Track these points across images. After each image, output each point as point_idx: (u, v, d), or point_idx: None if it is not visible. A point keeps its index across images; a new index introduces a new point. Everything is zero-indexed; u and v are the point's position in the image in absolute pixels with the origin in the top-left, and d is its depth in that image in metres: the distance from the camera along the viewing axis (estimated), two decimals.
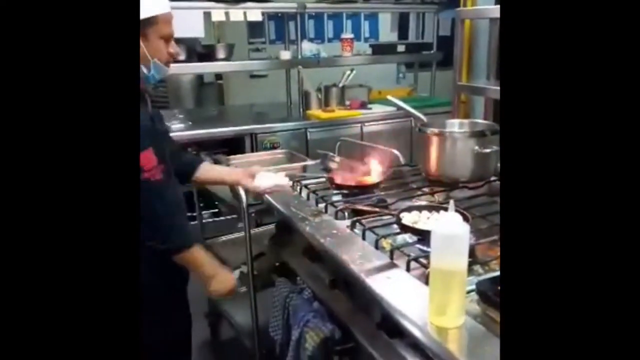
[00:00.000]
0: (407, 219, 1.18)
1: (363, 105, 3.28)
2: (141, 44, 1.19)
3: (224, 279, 1.38)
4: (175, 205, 1.26)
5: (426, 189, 1.57)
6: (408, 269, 1.06)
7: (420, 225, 1.15)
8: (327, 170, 1.88)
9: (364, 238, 1.22)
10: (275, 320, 1.50)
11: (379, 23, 4.90)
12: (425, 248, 1.11)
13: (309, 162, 1.83)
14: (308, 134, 2.98)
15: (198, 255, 1.31)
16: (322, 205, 1.46)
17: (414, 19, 4.40)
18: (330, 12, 4.58)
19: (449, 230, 0.82)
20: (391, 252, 1.11)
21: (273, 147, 2.86)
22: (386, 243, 1.16)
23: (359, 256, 1.14)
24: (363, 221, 1.28)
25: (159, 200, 1.18)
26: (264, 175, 1.47)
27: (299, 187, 1.60)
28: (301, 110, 3.22)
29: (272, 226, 1.85)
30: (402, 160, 1.89)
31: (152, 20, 1.20)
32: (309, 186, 1.57)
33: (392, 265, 1.09)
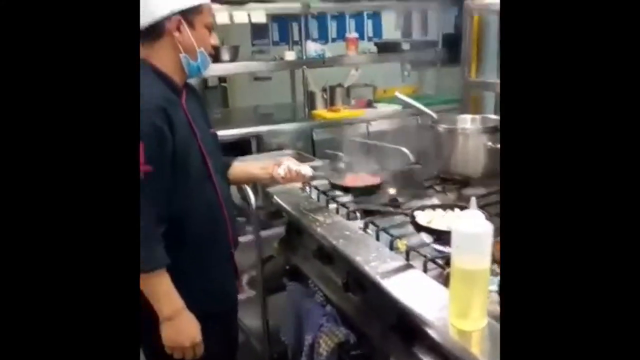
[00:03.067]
0: (421, 218, 1.15)
1: (369, 104, 3.25)
2: (188, 32, 1.16)
3: (183, 328, 1.10)
4: (146, 215, 1.02)
5: (438, 187, 1.53)
6: (425, 270, 1.03)
7: (434, 225, 1.12)
8: (337, 170, 1.86)
9: (377, 239, 1.19)
10: (287, 324, 1.47)
11: (382, 21, 4.86)
12: (441, 248, 1.08)
13: (317, 163, 1.80)
14: (314, 134, 2.94)
15: (158, 285, 1.08)
16: (333, 206, 1.43)
17: (417, 16, 4.36)
18: (333, 12, 4.54)
19: (471, 228, 0.78)
20: (407, 253, 1.08)
21: (279, 149, 2.83)
22: (401, 244, 1.12)
23: (373, 257, 1.11)
24: (376, 221, 1.25)
25: None
26: (287, 163, 1.39)
27: (308, 188, 1.57)
28: (306, 110, 3.19)
29: (280, 229, 1.82)
30: (411, 158, 1.86)
31: (198, 9, 1.18)
32: (319, 187, 1.54)
33: (408, 267, 1.06)
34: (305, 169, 1.37)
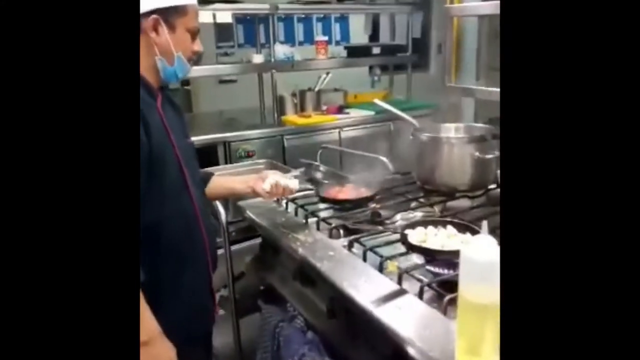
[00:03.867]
0: (414, 237, 1.05)
1: (340, 110, 3.17)
2: (167, 35, 1.06)
3: (159, 354, 1.00)
4: None
5: (422, 200, 1.45)
6: (421, 296, 0.93)
7: (429, 244, 1.03)
8: (313, 181, 1.75)
9: (364, 259, 1.09)
10: (264, 351, 1.35)
11: (350, 25, 4.81)
12: (437, 270, 0.99)
13: (293, 173, 1.68)
14: (285, 140, 2.82)
15: None
16: (312, 221, 1.32)
17: (385, 20, 4.34)
18: (300, 14, 4.45)
19: (483, 256, 0.69)
20: (399, 277, 0.98)
21: (248, 156, 2.69)
22: (392, 265, 1.03)
23: (362, 282, 1.01)
24: (362, 240, 1.14)
25: None
26: (272, 178, 1.27)
27: (284, 202, 1.45)
28: (276, 116, 3.07)
29: (251, 242, 1.70)
30: (391, 168, 1.77)
31: (181, 10, 1.07)
32: (295, 200, 1.43)
33: (401, 292, 0.96)
34: (293, 183, 1.27)
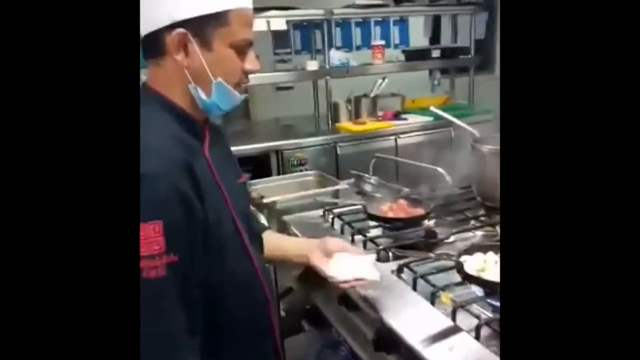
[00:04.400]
0: (471, 265, 0.93)
1: (397, 116, 3.04)
2: (200, 55, 0.79)
3: None
4: (175, 322, 0.74)
5: (483, 218, 1.31)
6: (477, 336, 0.81)
7: (488, 274, 0.90)
8: (362, 193, 1.66)
9: (414, 288, 0.98)
10: None
11: (410, 28, 4.66)
12: (499, 304, 0.86)
13: (341, 186, 1.60)
14: (338, 148, 2.75)
15: None
16: (358, 239, 1.22)
17: (446, 22, 4.16)
18: (358, 18, 4.36)
19: None
20: (453, 312, 0.86)
21: (300, 164, 2.65)
22: (445, 297, 0.91)
23: (411, 315, 0.90)
24: (413, 265, 1.04)
25: (143, 316, 0.59)
26: (342, 261, 0.98)
27: (330, 217, 1.37)
28: (330, 123, 3.00)
29: None
30: (449, 180, 1.64)
31: (219, 19, 0.78)
32: (342, 216, 1.34)
33: (455, 330, 0.85)
34: (372, 273, 0.94)
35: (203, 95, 0.82)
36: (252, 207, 1.27)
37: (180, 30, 0.77)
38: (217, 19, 0.78)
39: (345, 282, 0.95)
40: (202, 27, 0.78)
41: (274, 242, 1.09)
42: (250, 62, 0.83)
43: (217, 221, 0.80)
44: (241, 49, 0.81)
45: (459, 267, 0.92)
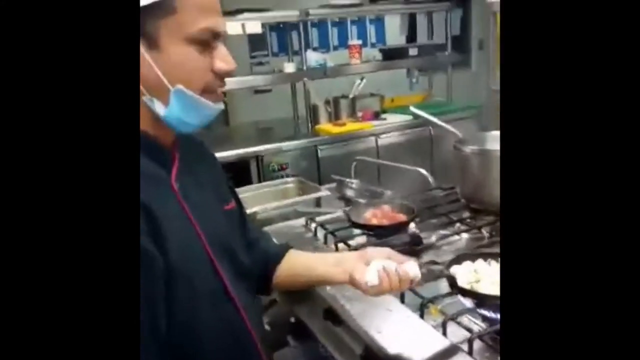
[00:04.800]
0: (463, 277, 0.89)
1: (376, 116, 3.02)
2: (148, 57, 0.65)
3: None
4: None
5: (469, 220, 1.28)
6: (471, 351, 0.77)
7: (483, 286, 0.86)
8: (345, 199, 1.62)
9: (402, 300, 0.94)
10: None
11: (386, 27, 4.65)
12: (491, 315, 0.83)
13: (323, 193, 1.55)
14: (318, 151, 2.71)
15: None
16: (342, 248, 1.18)
17: (422, 19, 4.16)
18: (334, 18, 4.33)
19: None
20: (443, 325, 0.82)
21: (281, 168, 2.60)
22: (435, 310, 0.88)
23: (399, 330, 0.86)
24: None
25: None
26: (380, 265, 0.81)
27: (313, 226, 1.32)
28: (309, 125, 2.96)
29: None
30: (431, 181, 1.61)
31: (162, 8, 0.63)
32: (325, 225, 1.30)
33: (446, 345, 0.81)
34: (414, 269, 0.80)
35: (161, 109, 0.67)
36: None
37: None
38: (159, 8, 0.63)
39: (381, 284, 0.79)
40: (143, 21, 0.62)
41: (302, 263, 0.94)
42: (221, 60, 0.67)
43: (183, 264, 0.68)
44: (204, 44, 0.66)
45: (452, 282, 0.88)
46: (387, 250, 0.85)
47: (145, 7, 0.62)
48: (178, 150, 0.76)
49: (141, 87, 0.66)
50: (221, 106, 0.72)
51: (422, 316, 0.88)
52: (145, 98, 0.68)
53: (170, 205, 0.70)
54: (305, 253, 1.00)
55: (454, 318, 0.83)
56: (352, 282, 0.82)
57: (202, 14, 0.65)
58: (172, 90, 0.66)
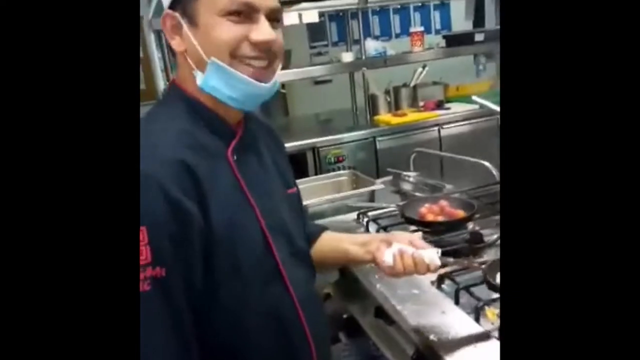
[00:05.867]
0: None
1: (439, 105, 2.89)
2: (190, 34, 0.70)
3: None
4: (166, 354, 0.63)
5: None
6: None
7: None
8: (401, 193, 1.55)
9: (457, 302, 0.88)
10: None
11: (451, 12, 4.45)
12: None
13: (377, 186, 1.50)
14: (377, 143, 2.64)
15: None
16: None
17: (490, 3, 3.93)
18: (396, 5, 4.21)
19: None
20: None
21: (338, 161, 2.56)
22: (491, 313, 0.81)
23: (453, 333, 0.80)
24: (455, 275, 0.93)
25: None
26: (400, 249, 0.82)
27: (365, 221, 1.28)
28: (368, 116, 2.89)
29: None
30: (496, 175, 1.50)
31: None
32: (378, 220, 1.25)
33: None
34: (430, 255, 0.80)
35: (200, 79, 0.71)
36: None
37: (168, 12, 0.71)
38: None
39: (396, 265, 0.80)
40: (184, 3, 0.69)
41: (331, 242, 0.95)
42: (258, 31, 0.68)
43: (230, 235, 0.69)
44: (238, 15, 0.68)
45: None
46: (410, 235, 0.86)
47: None
48: (243, 129, 0.78)
49: (190, 62, 0.72)
50: (262, 84, 0.72)
51: (477, 319, 0.81)
52: (194, 72, 0.72)
53: (223, 174, 0.72)
54: (336, 233, 1.00)
55: None
56: (374, 262, 0.85)
57: None
58: (208, 62, 0.70)
